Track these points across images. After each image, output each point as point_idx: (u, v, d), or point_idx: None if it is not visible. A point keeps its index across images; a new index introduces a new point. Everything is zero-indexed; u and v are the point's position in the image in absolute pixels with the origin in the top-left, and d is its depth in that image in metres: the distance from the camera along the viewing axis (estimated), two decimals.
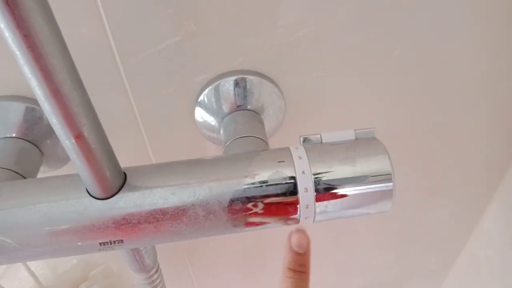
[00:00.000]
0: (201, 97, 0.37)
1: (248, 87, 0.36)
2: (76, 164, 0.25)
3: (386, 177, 0.29)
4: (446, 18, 0.36)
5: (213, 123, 0.38)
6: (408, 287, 0.75)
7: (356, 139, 0.31)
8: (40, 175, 0.36)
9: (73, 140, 0.24)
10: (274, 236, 0.52)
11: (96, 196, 0.27)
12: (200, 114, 0.38)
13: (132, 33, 0.32)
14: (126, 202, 0.27)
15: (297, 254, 0.30)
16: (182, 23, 0.32)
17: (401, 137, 0.47)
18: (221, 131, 0.37)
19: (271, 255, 0.59)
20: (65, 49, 0.21)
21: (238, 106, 0.37)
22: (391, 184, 0.29)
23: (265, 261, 0.61)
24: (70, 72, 0.22)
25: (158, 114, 0.38)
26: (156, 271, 0.37)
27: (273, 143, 0.39)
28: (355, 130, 0.31)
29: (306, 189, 0.28)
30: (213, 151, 0.41)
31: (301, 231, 0.31)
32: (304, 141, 0.31)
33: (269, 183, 0.28)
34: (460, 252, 0.68)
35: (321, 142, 0.31)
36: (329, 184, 0.28)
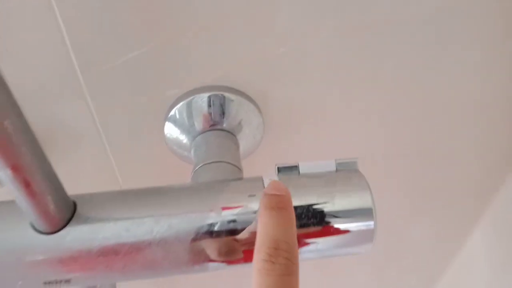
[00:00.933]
0: (172, 112, 0.34)
1: (223, 104, 0.33)
2: (15, 196, 0.22)
3: (366, 217, 0.26)
4: (435, 37, 0.34)
5: (184, 141, 0.35)
6: None
7: (336, 170, 0.28)
8: None
9: (9, 171, 0.20)
10: None
11: (41, 230, 0.24)
12: (170, 130, 0.35)
13: (94, 41, 0.29)
14: (74, 238, 0.24)
15: (275, 195, 0.24)
16: (151, 32, 0.29)
17: (384, 155, 0.44)
18: (192, 151, 0.34)
19: None
20: None
21: (211, 125, 0.34)
22: (372, 223, 0.27)
23: None
24: (3, 90, 0.19)
25: (124, 129, 0.35)
26: None
27: (249, 164, 0.36)
28: (336, 160, 0.28)
29: None
30: (182, 169, 0.38)
31: (277, 181, 0.26)
32: (279, 171, 0.28)
33: (236, 220, 0.25)
34: (442, 272, 0.67)
35: (299, 173, 0.28)
36: (304, 223, 0.26)
